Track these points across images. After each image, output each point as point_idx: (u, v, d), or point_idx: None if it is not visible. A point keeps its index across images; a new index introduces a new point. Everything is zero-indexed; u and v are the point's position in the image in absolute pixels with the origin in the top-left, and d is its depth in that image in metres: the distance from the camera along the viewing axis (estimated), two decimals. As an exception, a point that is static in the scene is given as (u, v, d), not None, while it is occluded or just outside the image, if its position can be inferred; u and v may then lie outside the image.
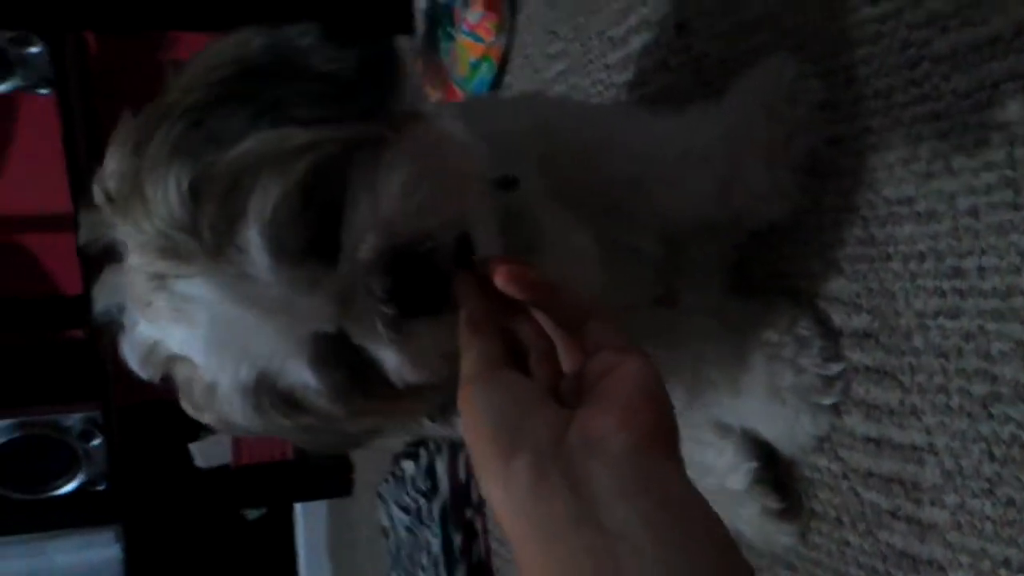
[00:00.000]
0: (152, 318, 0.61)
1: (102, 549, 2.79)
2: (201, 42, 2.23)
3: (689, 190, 0.83)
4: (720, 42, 0.99)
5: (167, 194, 0.57)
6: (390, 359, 0.61)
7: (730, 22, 0.97)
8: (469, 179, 0.64)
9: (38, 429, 2.31)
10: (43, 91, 1.98)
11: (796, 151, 0.83)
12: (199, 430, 2.58)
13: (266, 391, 0.61)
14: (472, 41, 1.54)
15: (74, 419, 2.31)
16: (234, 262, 0.56)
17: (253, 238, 0.56)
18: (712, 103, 0.87)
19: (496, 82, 1.56)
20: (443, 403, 0.68)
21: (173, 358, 0.62)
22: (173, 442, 2.55)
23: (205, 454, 2.60)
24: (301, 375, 0.60)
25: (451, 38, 1.65)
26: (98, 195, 0.60)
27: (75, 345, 2.44)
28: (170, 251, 0.57)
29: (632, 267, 0.84)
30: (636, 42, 1.15)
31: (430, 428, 0.76)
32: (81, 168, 1.94)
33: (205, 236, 0.56)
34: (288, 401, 0.62)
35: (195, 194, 0.56)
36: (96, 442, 2.34)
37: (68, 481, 2.36)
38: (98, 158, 0.62)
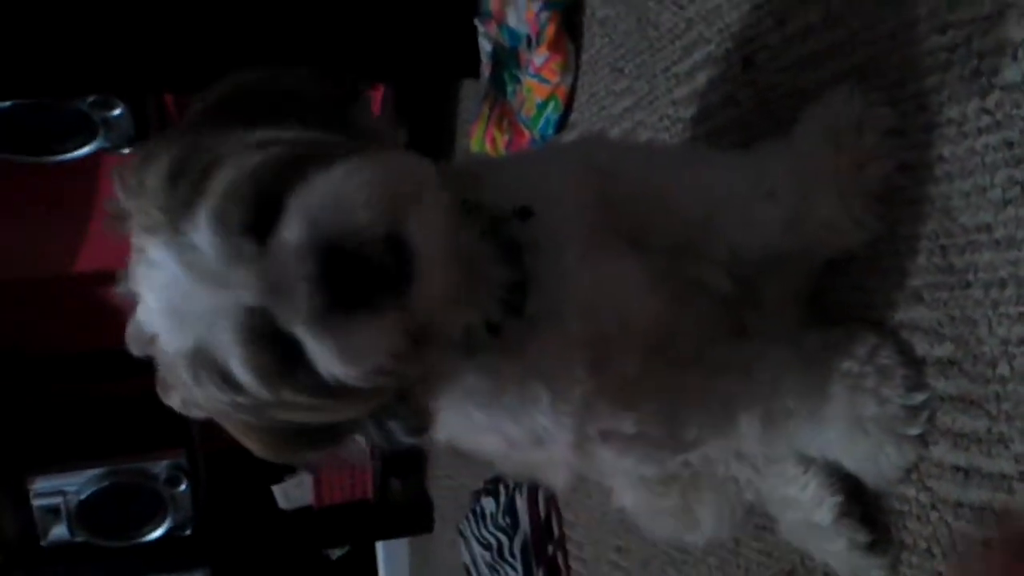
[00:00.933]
0: (134, 287, 0.68)
1: (190, 592, 2.83)
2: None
3: (760, 225, 0.84)
4: (786, 75, 0.99)
5: (154, 177, 0.66)
6: (312, 347, 0.64)
7: (796, 55, 0.97)
8: (412, 189, 0.67)
9: (126, 477, 2.37)
10: (126, 151, 2.06)
11: (868, 179, 0.83)
12: (282, 473, 2.64)
13: (204, 362, 0.66)
14: (538, 83, 1.57)
15: (160, 466, 2.37)
16: (188, 234, 0.64)
17: (204, 212, 0.64)
18: (780, 137, 0.88)
19: (563, 121, 1.58)
20: (377, 416, 0.71)
21: (152, 336, 0.69)
22: (256, 485, 2.60)
23: (288, 496, 2.63)
24: (228, 348, 0.65)
25: (517, 80, 1.68)
26: (120, 192, 0.69)
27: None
28: (150, 226, 0.66)
29: (703, 303, 0.84)
30: (701, 77, 1.16)
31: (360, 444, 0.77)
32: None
33: (173, 211, 0.65)
34: (223, 376, 0.66)
35: (174, 177, 0.65)
36: (182, 488, 2.39)
37: (156, 527, 2.42)
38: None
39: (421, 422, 0.71)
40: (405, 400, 0.68)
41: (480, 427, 0.80)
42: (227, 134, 0.67)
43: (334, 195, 0.64)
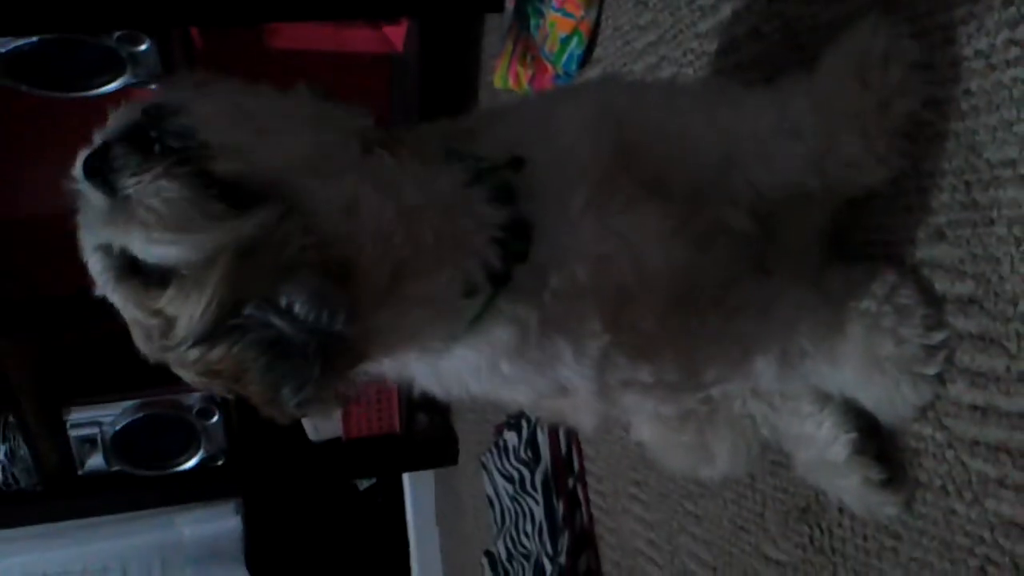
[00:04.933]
0: None
1: (223, 521, 2.91)
2: (302, 31, 2.25)
3: (782, 163, 0.82)
4: (813, 6, 0.97)
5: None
6: (113, 233, 0.67)
7: (822, -15, 0.95)
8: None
9: (159, 408, 2.42)
10: (153, 86, 2.05)
11: (892, 116, 0.81)
12: (310, 406, 2.67)
13: (131, 324, 0.70)
14: (562, 16, 1.54)
15: (193, 398, 2.41)
16: None
17: None
18: (803, 72, 0.86)
19: (586, 56, 1.56)
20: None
21: None
22: (286, 418, 2.64)
23: (317, 428, 2.67)
24: (110, 296, 0.70)
25: (541, 14, 1.65)
26: None
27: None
28: None
29: (723, 244, 0.83)
30: (726, 10, 1.14)
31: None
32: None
33: None
34: (139, 327, 0.69)
35: None
36: (214, 420, 2.44)
37: (189, 458, 2.47)
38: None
39: (319, 283, 0.66)
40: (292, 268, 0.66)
41: (510, 380, 0.80)
42: None
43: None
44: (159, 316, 0.67)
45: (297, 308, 0.65)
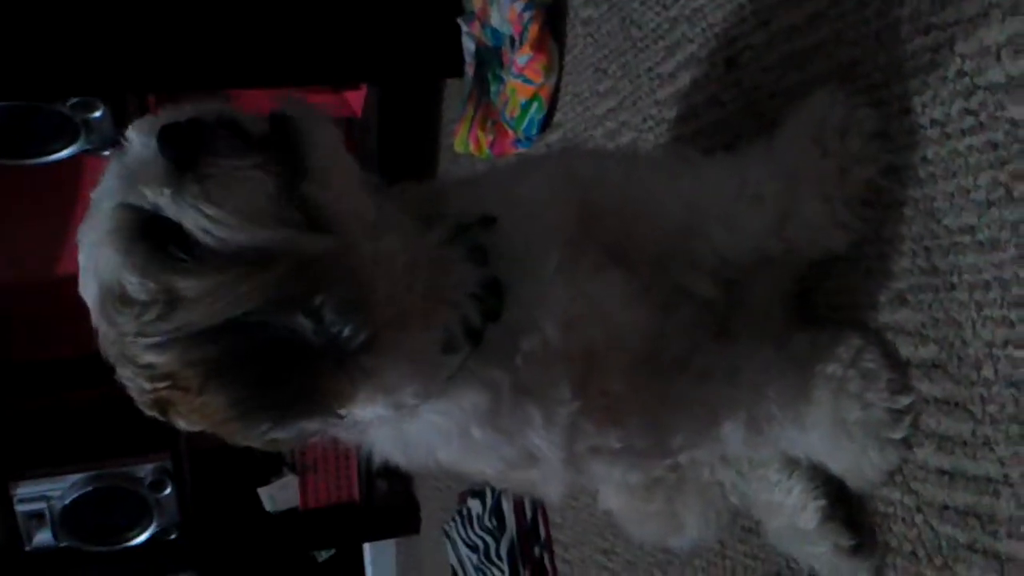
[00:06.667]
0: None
1: (177, 597, 2.82)
2: (260, 96, 2.25)
3: (745, 230, 0.83)
4: (770, 75, 0.99)
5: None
6: (176, 207, 0.65)
7: (780, 55, 0.97)
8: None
9: (110, 481, 2.35)
10: (107, 153, 2.04)
11: (852, 183, 0.83)
12: (268, 475, 2.63)
13: (107, 295, 0.67)
14: (521, 83, 1.56)
15: (145, 469, 2.35)
16: None
17: None
18: (763, 139, 0.87)
19: (546, 122, 1.57)
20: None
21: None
22: (242, 488, 2.59)
23: (274, 498, 2.62)
24: (108, 257, 0.66)
25: (500, 80, 1.67)
26: None
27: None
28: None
29: (688, 309, 0.84)
30: (685, 78, 1.15)
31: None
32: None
33: None
34: (123, 298, 0.66)
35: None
36: (167, 491, 2.37)
37: (141, 531, 2.40)
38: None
39: (354, 299, 0.67)
40: (332, 283, 0.66)
41: (480, 448, 0.79)
42: None
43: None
44: (164, 292, 0.65)
45: (327, 312, 0.66)
